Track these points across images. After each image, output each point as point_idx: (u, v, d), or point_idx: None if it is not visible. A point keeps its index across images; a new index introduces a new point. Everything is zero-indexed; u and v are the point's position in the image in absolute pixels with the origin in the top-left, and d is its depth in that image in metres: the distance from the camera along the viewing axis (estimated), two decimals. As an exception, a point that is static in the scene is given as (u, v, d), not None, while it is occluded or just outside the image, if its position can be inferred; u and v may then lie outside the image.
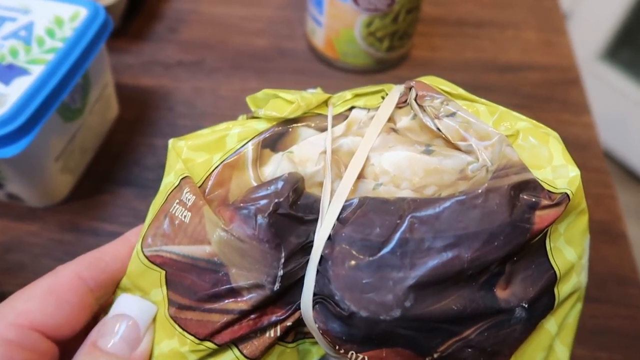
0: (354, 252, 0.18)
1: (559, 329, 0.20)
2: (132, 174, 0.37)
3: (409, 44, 0.45)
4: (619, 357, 0.30)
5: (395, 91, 0.22)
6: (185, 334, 0.20)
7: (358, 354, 0.19)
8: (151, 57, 0.45)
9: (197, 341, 0.19)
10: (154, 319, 0.21)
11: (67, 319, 0.20)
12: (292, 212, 0.19)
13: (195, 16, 0.49)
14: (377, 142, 0.21)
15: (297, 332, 0.21)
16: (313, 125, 0.22)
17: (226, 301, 0.19)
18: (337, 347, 0.20)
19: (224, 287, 0.19)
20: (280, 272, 0.19)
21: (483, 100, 0.21)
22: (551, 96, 0.44)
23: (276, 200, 0.19)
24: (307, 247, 0.20)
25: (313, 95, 0.22)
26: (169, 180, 0.22)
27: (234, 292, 0.19)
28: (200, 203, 0.20)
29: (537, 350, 0.20)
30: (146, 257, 0.20)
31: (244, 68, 0.45)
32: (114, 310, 0.21)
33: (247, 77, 0.44)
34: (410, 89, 0.22)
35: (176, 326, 0.20)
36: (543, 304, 0.19)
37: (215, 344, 0.19)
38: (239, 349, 0.20)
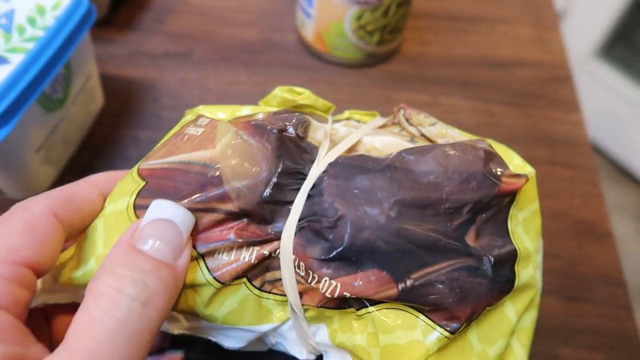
0: (348, 171, 0.21)
1: (517, 324, 0.21)
2: (115, 167, 0.37)
3: (400, 38, 0.45)
4: (602, 357, 0.30)
5: (385, 117, 0.27)
6: None
7: (332, 281, 0.20)
8: (137, 47, 0.44)
9: None
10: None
11: (50, 256, 0.19)
12: (297, 139, 0.21)
13: (183, 7, 0.48)
14: (369, 132, 0.24)
15: (265, 280, 0.21)
16: (315, 119, 0.24)
17: (213, 202, 0.20)
18: (310, 279, 0.20)
19: (214, 188, 0.20)
20: (274, 179, 0.20)
21: (454, 128, 0.25)
22: (542, 93, 0.43)
23: (286, 123, 0.21)
24: (300, 177, 0.21)
25: (320, 98, 0.26)
26: (187, 118, 0.24)
27: (223, 196, 0.20)
28: (215, 120, 0.22)
29: (497, 333, 0.21)
30: (138, 171, 0.21)
31: (232, 60, 0.44)
32: (150, 214, 0.19)
33: (235, 70, 0.43)
34: (399, 110, 0.26)
35: None
36: (505, 273, 0.21)
37: None
38: (208, 269, 0.20)
